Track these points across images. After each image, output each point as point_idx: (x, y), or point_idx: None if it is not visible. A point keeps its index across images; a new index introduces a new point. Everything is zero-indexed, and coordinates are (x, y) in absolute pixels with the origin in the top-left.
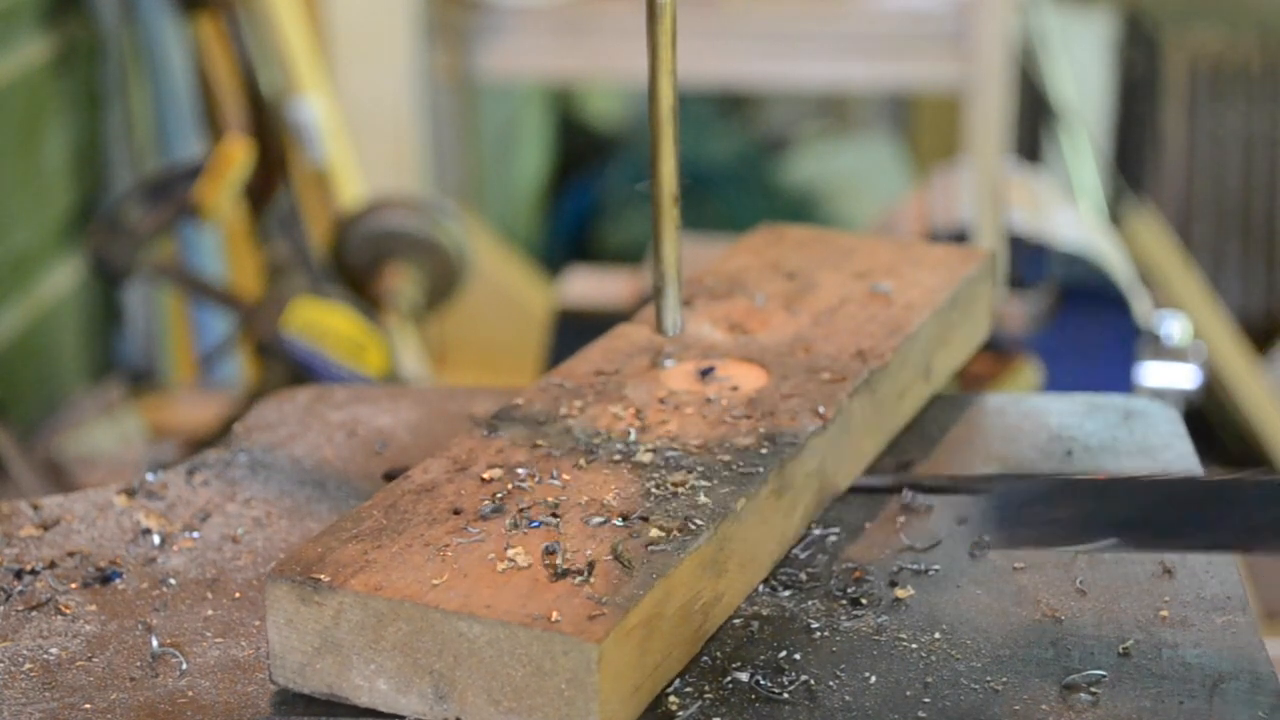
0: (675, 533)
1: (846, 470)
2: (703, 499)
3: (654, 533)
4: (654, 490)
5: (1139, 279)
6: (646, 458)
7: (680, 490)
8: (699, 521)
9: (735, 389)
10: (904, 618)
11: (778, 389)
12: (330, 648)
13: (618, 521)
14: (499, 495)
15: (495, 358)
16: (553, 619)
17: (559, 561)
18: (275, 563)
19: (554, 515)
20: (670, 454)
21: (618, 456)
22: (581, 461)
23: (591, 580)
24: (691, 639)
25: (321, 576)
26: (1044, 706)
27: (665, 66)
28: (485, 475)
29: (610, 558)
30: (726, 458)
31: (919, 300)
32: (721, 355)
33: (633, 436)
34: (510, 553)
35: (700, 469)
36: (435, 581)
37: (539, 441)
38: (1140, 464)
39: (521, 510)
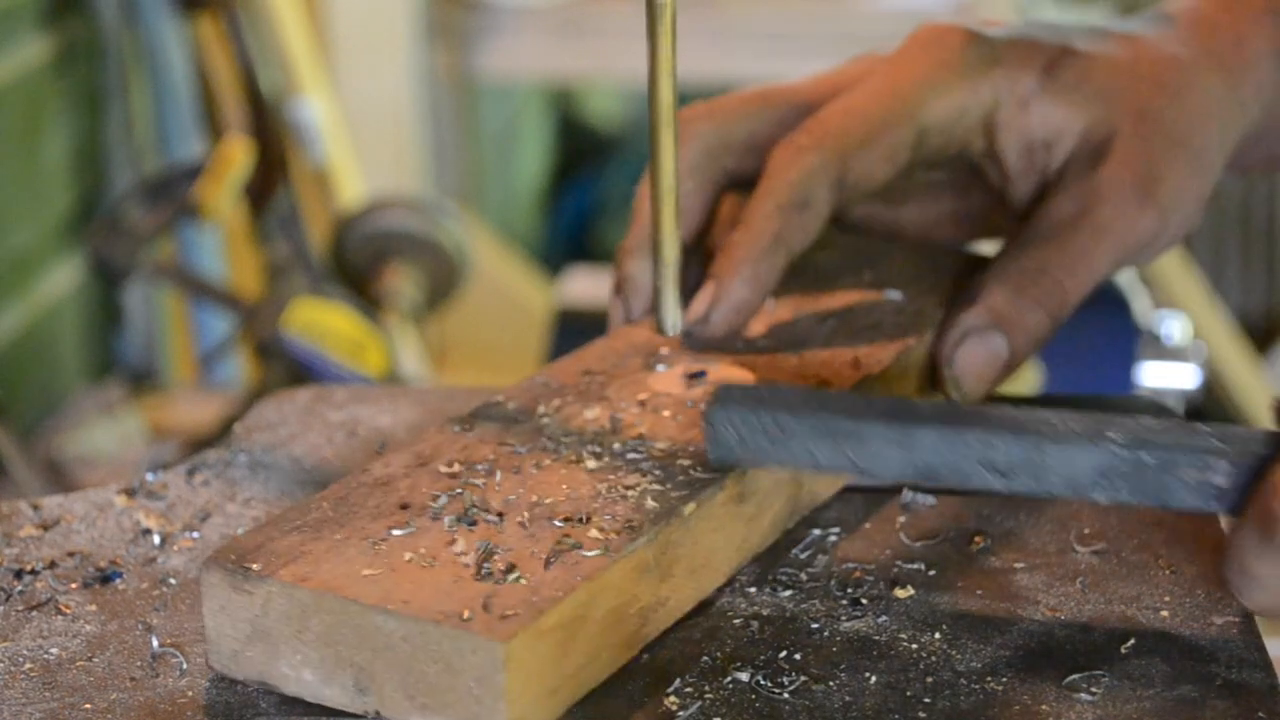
0: (613, 535)
1: (829, 481)
2: (650, 503)
3: (592, 534)
4: (604, 492)
5: (1139, 279)
6: (606, 460)
7: (630, 493)
8: (639, 525)
9: None
10: (904, 618)
11: None
12: (260, 636)
13: (558, 523)
14: (450, 492)
15: (495, 358)
16: (464, 617)
17: (488, 560)
18: (213, 550)
19: (498, 514)
20: (632, 457)
21: (577, 457)
22: (546, 461)
23: (515, 580)
24: (626, 643)
25: (253, 566)
26: (1044, 707)
27: (665, 66)
28: (442, 470)
29: (539, 558)
30: (687, 462)
31: (928, 309)
32: (717, 359)
33: (601, 438)
34: (443, 549)
35: (657, 473)
36: (362, 575)
37: (508, 439)
38: None
39: (467, 508)
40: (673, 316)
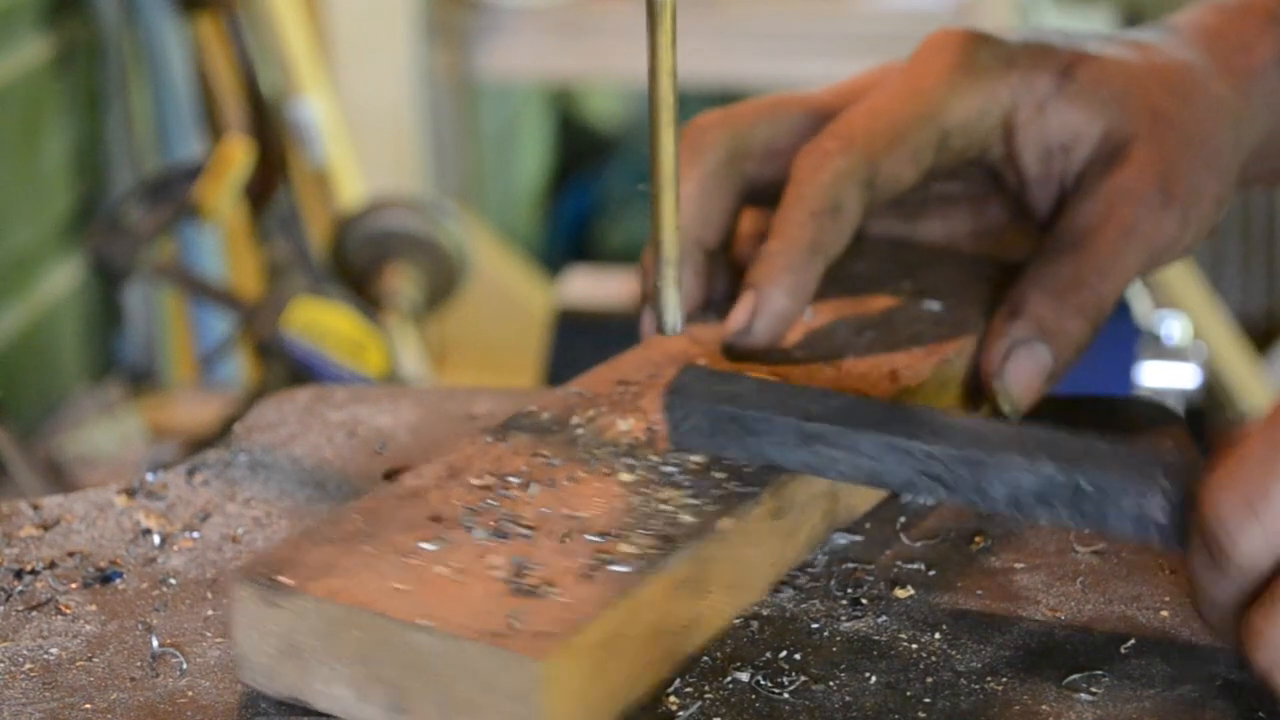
0: (649, 551)
1: (865, 493)
2: (686, 518)
3: (626, 550)
4: (639, 507)
5: (1139, 279)
6: (641, 473)
7: (665, 508)
8: (675, 541)
9: None
10: (904, 618)
11: None
12: (292, 651)
13: (592, 537)
14: (482, 504)
15: (495, 358)
16: (501, 634)
17: (523, 576)
18: (243, 562)
19: (530, 528)
20: (667, 470)
21: (611, 470)
22: (580, 473)
23: (551, 596)
24: (662, 660)
25: (284, 580)
26: (1044, 707)
27: (665, 66)
28: (474, 483)
29: (574, 573)
30: (722, 476)
31: (969, 319)
32: (753, 369)
33: (635, 450)
34: (476, 564)
35: (692, 487)
36: (395, 589)
37: (541, 451)
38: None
39: (499, 521)
40: (673, 316)
